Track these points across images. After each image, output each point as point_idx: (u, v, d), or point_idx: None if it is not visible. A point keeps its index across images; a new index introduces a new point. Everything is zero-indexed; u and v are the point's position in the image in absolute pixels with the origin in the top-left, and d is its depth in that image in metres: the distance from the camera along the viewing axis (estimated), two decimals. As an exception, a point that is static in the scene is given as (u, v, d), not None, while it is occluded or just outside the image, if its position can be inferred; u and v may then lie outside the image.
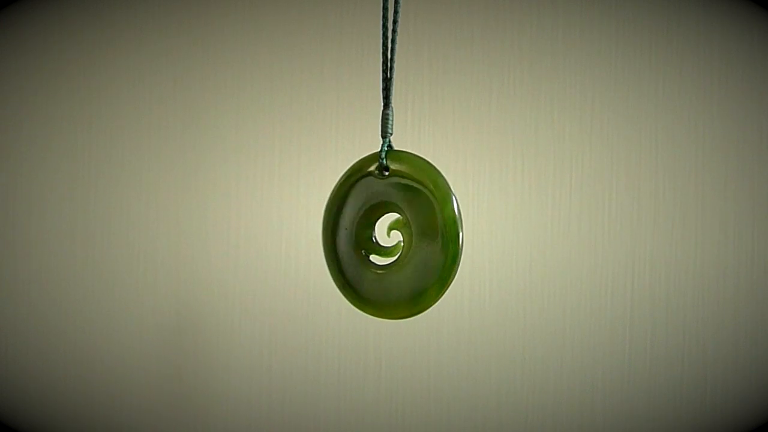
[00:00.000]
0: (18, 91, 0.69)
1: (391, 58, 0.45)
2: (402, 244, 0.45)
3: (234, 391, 0.69)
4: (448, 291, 0.47)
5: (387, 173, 0.45)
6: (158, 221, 0.69)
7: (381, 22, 0.45)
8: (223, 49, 0.69)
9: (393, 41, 0.45)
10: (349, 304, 0.46)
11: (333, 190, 0.46)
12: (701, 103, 0.67)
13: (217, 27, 0.69)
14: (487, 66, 0.68)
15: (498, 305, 0.68)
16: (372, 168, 0.45)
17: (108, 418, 0.69)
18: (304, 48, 0.68)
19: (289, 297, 0.68)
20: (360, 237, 0.46)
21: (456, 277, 0.44)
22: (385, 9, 0.45)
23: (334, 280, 0.46)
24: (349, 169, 0.46)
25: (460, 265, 0.45)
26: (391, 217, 0.45)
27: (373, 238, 0.46)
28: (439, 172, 0.44)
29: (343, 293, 0.46)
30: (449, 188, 0.43)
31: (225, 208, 0.69)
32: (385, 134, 0.45)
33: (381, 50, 0.45)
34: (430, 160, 0.45)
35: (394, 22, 0.45)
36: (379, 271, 0.45)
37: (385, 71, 0.45)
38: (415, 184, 0.44)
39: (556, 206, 0.68)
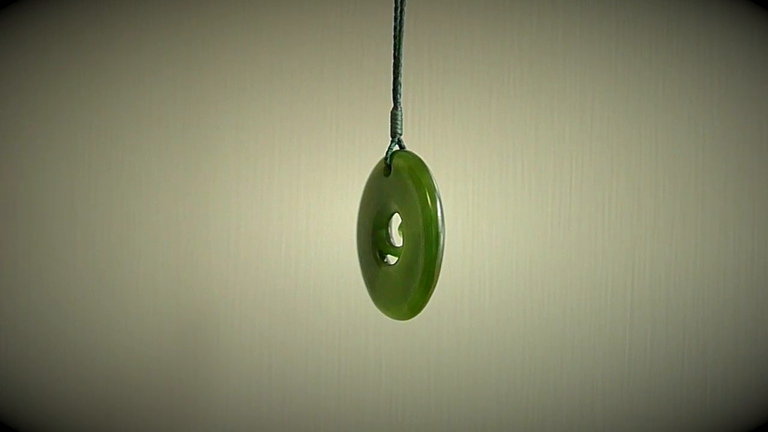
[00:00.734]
0: (18, 91, 0.69)
1: (397, 57, 0.46)
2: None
3: (234, 391, 0.69)
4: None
5: (390, 173, 0.45)
6: (158, 221, 0.69)
7: (393, 24, 0.45)
8: (223, 49, 0.69)
9: (399, 40, 0.46)
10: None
11: (362, 190, 0.47)
12: (701, 103, 0.67)
13: (217, 27, 0.69)
14: (487, 66, 0.68)
15: (498, 305, 0.68)
16: (383, 167, 0.46)
17: (108, 418, 0.69)
18: (304, 48, 0.68)
19: (289, 297, 0.68)
20: (376, 236, 0.47)
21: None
22: (396, 10, 0.45)
23: (362, 278, 0.48)
24: (372, 169, 0.47)
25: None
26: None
27: (389, 238, 0.47)
28: (425, 171, 0.43)
29: (367, 291, 0.47)
30: (433, 188, 0.43)
31: (225, 208, 0.69)
32: (393, 134, 0.45)
33: (392, 51, 0.46)
34: (423, 159, 0.44)
35: (400, 21, 0.45)
36: (386, 271, 0.46)
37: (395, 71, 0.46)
38: (406, 183, 0.44)
39: (556, 206, 0.68)
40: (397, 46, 0.46)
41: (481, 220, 0.68)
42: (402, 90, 0.47)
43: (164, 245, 0.69)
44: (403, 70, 0.47)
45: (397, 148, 0.46)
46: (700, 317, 0.67)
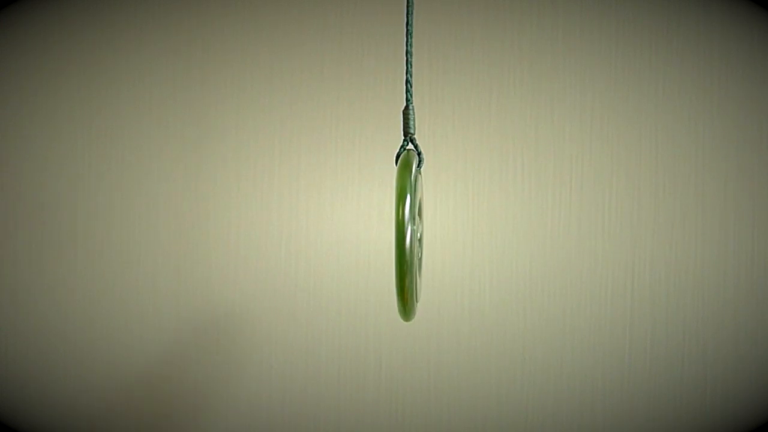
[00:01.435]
0: (18, 91, 0.69)
1: (408, 57, 0.46)
2: None
3: (234, 390, 0.69)
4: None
5: None
6: (158, 221, 0.69)
7: (405, 21, 0.45)
8: (223, 49, 0.69)
9: (409, 36, 0.46)
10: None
11: None
12: (701, 103, 0.67)
13: (217, 27, 0.69)
14: (487, 66, 0.68)
15: (498, 305, 0.68)
16: None
17: (108, 418, 0.69)
18: (304, 48, 0.68)
19: (289, 297, 0.68)
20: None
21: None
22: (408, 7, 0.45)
23: None
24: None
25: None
26: None
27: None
28: (404, 170, 0.43)
29: None
30: (405, 188, 0.43)
31: (225, 208, 0.69)
32: (404, 133, 0.45)
33: (405, 50, 0.46)
34: (415, 157, 0.44)
35: (410, 21, 0.46)
36: None
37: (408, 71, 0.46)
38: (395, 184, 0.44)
39: (556, 206, 0.68)
40: (409, 43, 0.46)
41: (481, 220, 0.68)
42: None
43: (164, 245, 0.69)
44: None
45: (411, 146, 0.46)
46: (700, 317, 0.67)
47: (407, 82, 0.46)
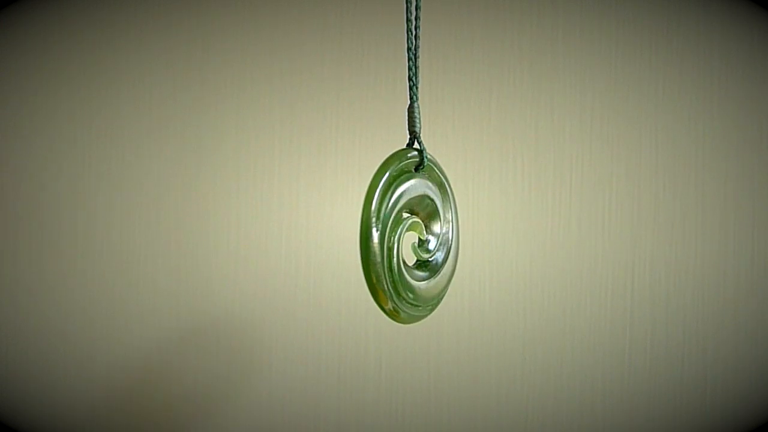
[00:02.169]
0: (18, 91, 0.69)
1: (410, 54, 0.46)
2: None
3: (234, 390, 0.69)
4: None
5: None
6: (159, 221, 0.69)
7: (405, 17, 0.45)
8: (223, 49, 0.69)
9: (416, 35, 0.46)
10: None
11: None
12: (701, 103, 0.67)
13: (217, 27, 0.69)
14: (487, 66, 0.68)
15: (498, 305, 0.68)
16: None
17: (108, 418, 0.69)
18: (304, 48, 0.68)
19: (289, 297, 0.68)
20: None
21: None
22: (408, 2, 0.45)
23: None
24: None
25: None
26: None
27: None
28: (378, 172, 0.44)
29: None
30: (374, 188, 0.43)
31: (225, 208, 0.69)
32: (410, 131, 0.46)
33: (406, 46, 0.46)
34: (393, 158, 0.45)
35: (416, 18, 0.45)
36: None
37: (410, 68, 0.46)
38: None
39: (556, 206, 0.68)
40: (410, 39, 0.46)
41: (481, 220, 0.68)
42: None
43: (164, 245, 0.69)
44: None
45: (416, 146, 0.46)
46: (700, 317, 0.67)
47: (410, 78, 0.46)
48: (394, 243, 0.44)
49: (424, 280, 0.46)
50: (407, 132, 0.46)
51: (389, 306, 0.44)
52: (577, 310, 0.67)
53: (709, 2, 0.67)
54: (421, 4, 0.46)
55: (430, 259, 0.47)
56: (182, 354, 0.69)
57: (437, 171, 0.47)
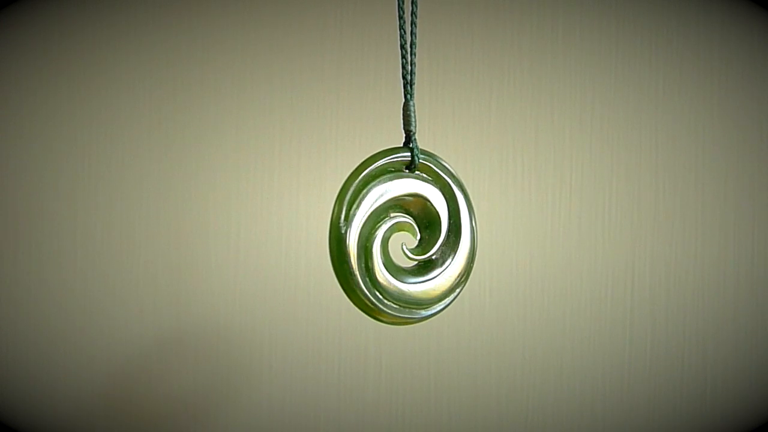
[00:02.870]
0: (18, 91, 0.69)
1: (403, 51, 0.45)
2: None
3: (234, 390, 0.69)
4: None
5: None
6: (158, 222, 0.69)
7: (397, 13, 0.45)
8: (223, 49, 0.69)
9: (412, 32, 0.45)
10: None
11: None
12: (701, 103, 0.67)
13: (217, 27, 0.69)
14: (487, 66, 0.68)
15: (498, 305, 0.68)
16: None
17: (108, 417, 0.69)
18: (304, 48, 0.68)
19: (289, 297, 0.68)
20: None
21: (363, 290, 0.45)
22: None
23: None
24: None
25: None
26: None
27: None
28: (350, 175, 0.44)
29: None
30: (345, 189, 0.44)
31: (225, 208, 0.69)
32: (405, 130, 0.46)
33: (399, 43, 0.45)
34: (372, 160, 0.45)
35: (413, 14, 0.45)
36: None
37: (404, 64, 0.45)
38: None
39: (556, 206, 0.68)
40: (404, 36, 0.45)
41: (481, 220, 0.68)
42: (402, 90, 0.47)
43: (164, 245, 0.69)
44: (410, 63, 0.46)
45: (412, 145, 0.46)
46: (700, 317, 0.67)
47: (404, 76, 0.46)
48: (372, 242, 0.44)
49: (418, 281, 0.46)
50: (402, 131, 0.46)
51: (364, 304, 0.45)
52: (577, 310, 0.67)
53: (709, 2, 0.67)
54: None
55: (426, 261, 0.46)
56: (182, 354, 0.69)
57: (441, 172, 0.46)
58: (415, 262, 0.46)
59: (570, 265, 0.67)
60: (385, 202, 0.45)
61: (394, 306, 0.45)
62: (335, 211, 0.44)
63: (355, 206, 0.44)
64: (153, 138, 0.69)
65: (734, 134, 0.67)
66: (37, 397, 0.69)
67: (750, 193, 0.67)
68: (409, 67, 0.45)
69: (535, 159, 0.68)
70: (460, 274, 0.47)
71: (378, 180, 0.45)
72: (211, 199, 0.69)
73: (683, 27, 0.67)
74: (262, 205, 0.69)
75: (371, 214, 0.44)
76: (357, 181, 0.44)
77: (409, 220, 0.46)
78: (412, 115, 0.45)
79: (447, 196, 0.46)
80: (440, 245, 0.46)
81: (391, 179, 0.45)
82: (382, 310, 0.45)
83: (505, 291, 0.68)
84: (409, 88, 0.45)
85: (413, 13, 0.45)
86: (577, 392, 0.68)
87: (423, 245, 0.46)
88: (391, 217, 0.45)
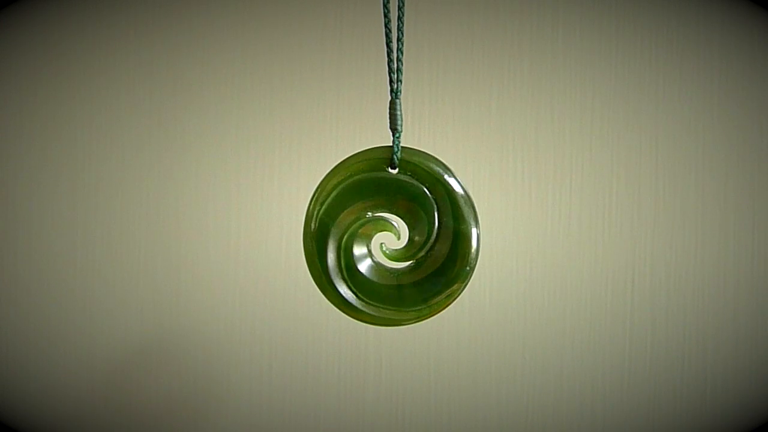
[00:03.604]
0: (18, 91, 0.69)
1: (389, 48, 0.45)
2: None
3: (234, 390, 0.69)
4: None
5: None
6: (158, 221, 0.69)
7: (382, 11, 0.45)
8: (223, 49, 0.69)
9: (399, 28, 0.45)
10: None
11: None
12: (701, 103, 0.67)
13: (217, 27, 0.69)
14: (487, 66, 0.68)
15: (498, 305, 0.68)
16: None
17: (108, 417, 0.69)
18: (304, 48, 0.68)
19: (290, 297, 0.68)
20: None
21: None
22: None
23: None
24: None
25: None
26: None
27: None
28: (328, 173, 0.45)
29: None
30: (318, 190, 0.45)
31: (225, 208, 0.69)
32: (391, 129, 0.45)
33: (385, 40, 0.45)
34: (351, 159, 0.45)
35: (399, 9, 0.45)
36: None
37: (390, 61, 0.45)
38: None
39: (556, 206, 0.68)
40: (389, 34, 0.45)
41: (481, 220, 0.68)
42: (396, 83, 0.46)
43: (164, 245, 0.69)
44: (397, 59, 0.46)
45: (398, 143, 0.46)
46: (700, 317, 0.67)
47: (389, 74, 0.45)
48: (349, 241, 0.44)
49: (403, 282, 0.45)
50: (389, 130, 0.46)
51: (338, 303, 0.45)
52: (577, 310, 0.67)
53: (709, 2, 0.67)
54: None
55: (414, 261, 0.46)
56: (182, 354, 0.69)
57: (427, 170, 0.45)
58: (408, 263, 0.46)
59: (570, 265, 0.67)
60: (362, 201, 0.44)
61: (373, 306, 0.45)
62: (309, 209, 0.44)
63: (327, 204, 0.44)
64: (153, 138, 0.69)
65: (734, 134, 0.67)
66: (37, 397, 0.69)
67: (750, 193, 0.67)
68: (395, 65, 0.45)
69: (535, 159, 0.68)
70: (449, 276, 0.45)
71: (354, 178, 0.44)
72: (211, 199, 0.69)
73: (683, 27, 0.67)
74: (262, 205, 0.69)
75: (345, 212, 0.44)
76: (332, 179, 0.44)
77: (391, 219, 0.45)
78: (398, 113, 0.45)
79: (436, 196, 0.45)
80: (427, 246, 0.45)
81: (369, 178, 0.44)
82: (360, 310, 0.45)
83: (505, 291, 0.68)
84: (394, 86, 0.45)
85: (399, 9, 0.45)
86: (577, 392, 0.68)
87: (408, 246, 0.46)
88: (369, 217, 0.44)
